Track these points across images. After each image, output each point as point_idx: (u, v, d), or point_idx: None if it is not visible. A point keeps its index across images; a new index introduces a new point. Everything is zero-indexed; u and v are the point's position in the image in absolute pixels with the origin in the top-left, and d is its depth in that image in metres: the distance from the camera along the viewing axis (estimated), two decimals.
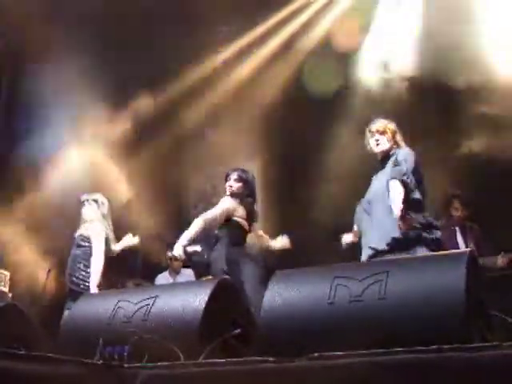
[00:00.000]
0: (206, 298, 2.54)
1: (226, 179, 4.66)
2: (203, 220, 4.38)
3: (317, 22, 7.32)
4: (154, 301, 2.68)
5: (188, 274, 6.64)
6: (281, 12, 7.45)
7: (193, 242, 4.35)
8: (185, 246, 4.28)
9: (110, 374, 2.08)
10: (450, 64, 5.93)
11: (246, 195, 4.60)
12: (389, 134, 4.12)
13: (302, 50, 7.32)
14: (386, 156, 4.10)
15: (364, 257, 3.91)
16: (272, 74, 7.37)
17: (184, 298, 2.63)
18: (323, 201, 6.46)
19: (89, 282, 4.97)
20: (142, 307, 2.68)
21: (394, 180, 3.77)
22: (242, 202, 4.56)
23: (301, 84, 6.97)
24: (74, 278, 5.02)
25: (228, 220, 4.48)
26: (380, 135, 4.13)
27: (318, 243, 6.16)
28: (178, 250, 4.26)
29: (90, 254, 5.07)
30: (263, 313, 2.40)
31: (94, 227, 5.20)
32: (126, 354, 2.38)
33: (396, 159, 3.96)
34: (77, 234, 5.24)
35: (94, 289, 4.91)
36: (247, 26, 7.47)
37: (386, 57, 6.69)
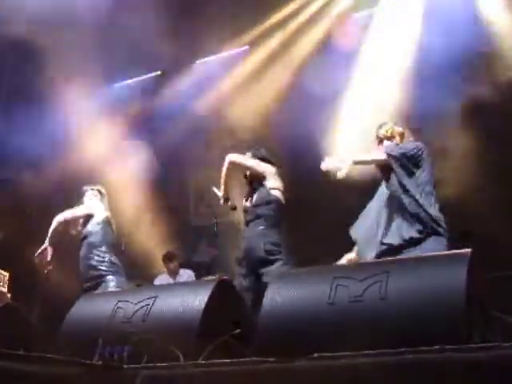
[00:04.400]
0: (206, 298, 2.54)
1: None
2: None
3: (316, 21, 7.34)
4: (154, 301, 2.68)
5: (188, 274, 6.63)
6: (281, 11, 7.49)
7: None
8: None
9: (109, 374, 2.07)
10: None
11: None
12: (397, 138, 3.99)
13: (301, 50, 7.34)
14: None
15: (374, 253, 3.81)
16: (272, 74, 7.38)
17: (184, 298, 2.63)
18: (326, 201, 6.45)
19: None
20: (141, 307, 2.68)
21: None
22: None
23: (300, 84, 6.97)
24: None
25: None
26: (388, 141, 3.98)
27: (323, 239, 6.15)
28: None
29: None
30: (263, 313, 2.40)
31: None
32: (125, 354, 2.38)
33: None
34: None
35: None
36: (246, 25, 7.49)
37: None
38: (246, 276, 4.23)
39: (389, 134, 4.01)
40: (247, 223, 4.41)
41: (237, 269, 4.44)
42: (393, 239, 3.73)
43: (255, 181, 4.56)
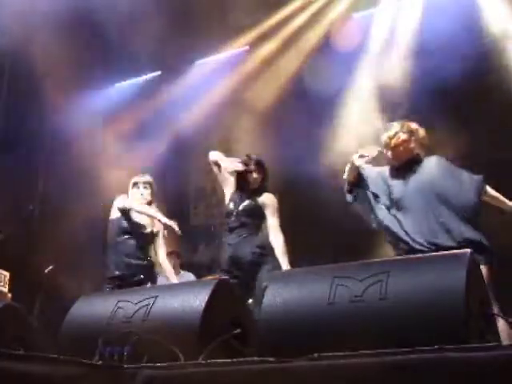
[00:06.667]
0: (206, 298, 2.54)
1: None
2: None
3: (317, 21, 7.35)
4: (154, 301, 2.68)
5: (188, 275, 6.61)
6: (281, 11, 7.50)
7: None
8: None
9: (109, 374, 2.07)
10: None
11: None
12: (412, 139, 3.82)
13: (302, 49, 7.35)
14: (410, 160, 3.83)
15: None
16: (273, 73, 7.39)
17: (184, 298, 2.63)
18: (327, 200, 6.44)
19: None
20: (141, 307, 2.68)
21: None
22: None
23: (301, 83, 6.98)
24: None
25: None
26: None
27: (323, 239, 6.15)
28: None
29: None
30: (263, 313, 2.40)
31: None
32: (125, 354, 2.38)
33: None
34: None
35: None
36: (247, 25, 7.50)
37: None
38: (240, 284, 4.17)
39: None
40: (231, 229, 4.41)
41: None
42: None
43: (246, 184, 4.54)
